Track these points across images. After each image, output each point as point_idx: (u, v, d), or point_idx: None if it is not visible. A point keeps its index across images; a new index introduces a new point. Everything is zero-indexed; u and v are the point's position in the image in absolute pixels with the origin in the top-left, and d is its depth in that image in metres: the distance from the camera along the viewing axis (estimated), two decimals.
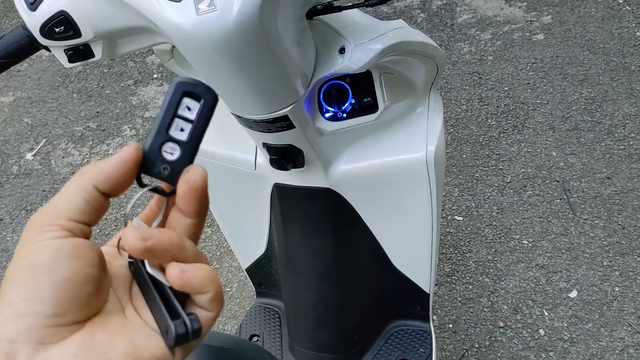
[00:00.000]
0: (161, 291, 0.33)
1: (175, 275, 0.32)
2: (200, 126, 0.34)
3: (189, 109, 0.34)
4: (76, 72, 2.82)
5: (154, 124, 0.34)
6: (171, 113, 0.33)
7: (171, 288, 0.33)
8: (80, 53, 0.64)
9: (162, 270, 0.33)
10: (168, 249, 0.32)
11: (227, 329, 1.67)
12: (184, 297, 0.34)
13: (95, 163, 0.33)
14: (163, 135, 0.33)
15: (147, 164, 0.33)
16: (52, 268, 0.30)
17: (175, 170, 0.33)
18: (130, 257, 0.35)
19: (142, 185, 0.34)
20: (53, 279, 0.30)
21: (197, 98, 0.34)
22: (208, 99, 0.34)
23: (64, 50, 0.64)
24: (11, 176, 2.32)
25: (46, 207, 0.32)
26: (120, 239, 0.34)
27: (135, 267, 0.35)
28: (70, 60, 0.64)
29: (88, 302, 0.32)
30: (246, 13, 0.53)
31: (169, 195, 0.35)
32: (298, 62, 0.65)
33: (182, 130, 0.33)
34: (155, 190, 0.35)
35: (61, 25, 0.60)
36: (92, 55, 0.65)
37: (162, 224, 0.36)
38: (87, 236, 0.33)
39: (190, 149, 0.34)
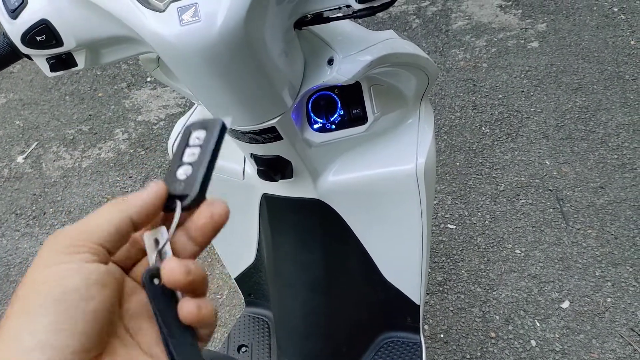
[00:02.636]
0: (167, 318, 0.33)
1: (192, 312, 0.32)
2: (209, 147, 0.35)
3: (197, 138, 0.36)
4: (69, 74, 2.80)
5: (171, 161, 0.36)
6: (182, 146, 0.36)
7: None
8: (63, 62, 0.62)
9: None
10: (200, 282, 0.32)
11: (217, 337, 1.66)
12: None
13: (130, 196, 0.33)
14: (177, 162, 0.36)
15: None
16: (84, 296, 0.28)
17: (188, 184, 0.35)
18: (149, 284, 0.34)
19: (167, 210, 0.35)
20: (85, 309, 0.28)
21: (204, 129, 0.36)
22: (214, 126, 0.36)
23: (46, 59, 0.62)
24: (1, 179, 2.30)
25: (74, 227, 0.31)
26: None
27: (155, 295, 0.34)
28: (52, 70, 0.63)
29: (108, 333, 0.30)
30: (231, 24, 0.52)
31: (190, 207, 0.35)
32: (285, 72, 0.64)
33: (193, 154, 0.36)
34: (183, 208, 0.35)
35: (43, 34, 0.59)
36: (75, 65, 0.63)
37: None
38: (108, 262, 0.32)
39: (200, 163, 0.35)
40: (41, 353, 0.27)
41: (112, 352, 0.31)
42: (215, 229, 0.34)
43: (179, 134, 0.96)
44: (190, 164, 0.35)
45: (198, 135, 0.36)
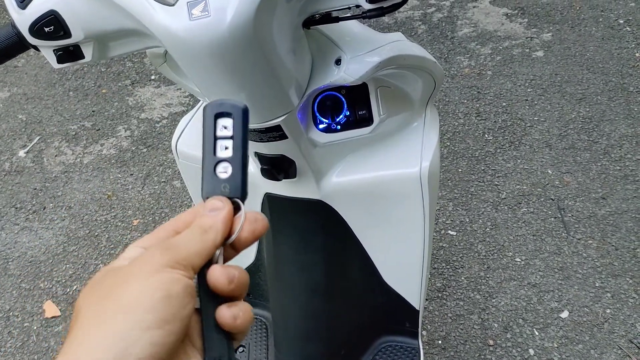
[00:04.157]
0: (207, 314, 0.35)
1: (228, 321, 0.34)
2: (240, 138, 0.37)
3: (225, 127, 0.37)
4: (73, 70, 2.80)
5: (203, 152, 0.37)
6: (212, 137, 0.37)
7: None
8: (70, 54, 0.62)
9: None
10: (241, 289, 0.35)
11: None
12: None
13: (210, 223, 0.36)
14: (212, 159, 0.37)
15: (209, 189, 0.37)
16: (183, 303, 0.32)
17: (233, 185, 0.37)
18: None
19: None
20: (183, 314, 0.32)
21: (228, 115, 0.37)
22: (238, 112, 0.37)
23: (54, 50, 0.62)
24: (2, 173, 2.30)
25: (175, 248, 0.34)
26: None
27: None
28: (59, 61, 0.63)
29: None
30: (240, 20, 0.52)
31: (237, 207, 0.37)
32: (293, 71, 0.64)
33: (226, 148, 0.37)
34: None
35: (51, 25, 0.59)
36: (82, 57, 0.63)
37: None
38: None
39: (238, 160, 0.37)
40: (148, 347, 0.30)
41: None
42: (254, 241, 0.38)
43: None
44: (227, 160, 0.37)
45: (225, 124, 0.37)
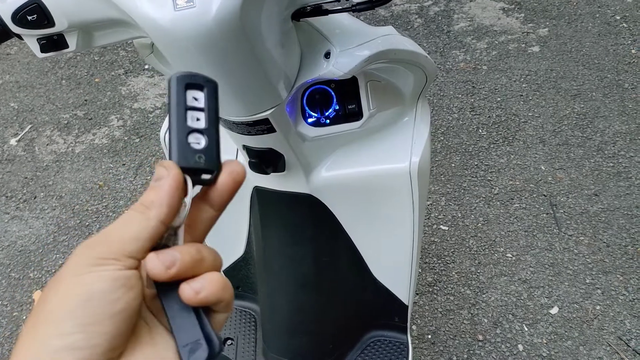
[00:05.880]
0: (169, 300, 0.33)
1: (189, 297, 0.31)
2: (213, 112, 0.35)
3: (195, 99, 0.34)
4: (66, 58, 2.78)
5: (171, 121, 0.34)
6: (183, 107, 0.34)
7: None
8: (54, 43, 0.61)
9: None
10: (190, 268, 0.32)
11: None
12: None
13: (152, 197, 0.32)
14: (184, 128, 0.34)
15: (181, 158, 0.34)
16: (110, 299, 0.29)
17: (209, 156, 0.34)
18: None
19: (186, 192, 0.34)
20: (111, 311, 0.29)
21: (199, 88, 0.35)
22: (209, 87, 0.35)
23: (37, 39, 0.61)
24: None
25: (103, 240, 0.31)
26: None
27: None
28: (43, 50, 0.62)
29: (133, 331, 0.31)
30: (226, 11, 0.51)
31: (210, 183, 0.35)
32: (281, 64, 0.63)
33: (198, 119, 0.34)
34: (201, 182, 0.35)
35: (34, 14, 0.58)
36: (66, 46, 0.62)
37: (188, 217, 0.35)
38: (137, 267, 0.32)
39: (213, 133, 0.34)
40: (70, 354, 0.28)
41: (136, 334, 0.32)
42: (235, 189, 0.34)
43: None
44: (199, 131, 0.34)
45: (195, 96, 0.34)
